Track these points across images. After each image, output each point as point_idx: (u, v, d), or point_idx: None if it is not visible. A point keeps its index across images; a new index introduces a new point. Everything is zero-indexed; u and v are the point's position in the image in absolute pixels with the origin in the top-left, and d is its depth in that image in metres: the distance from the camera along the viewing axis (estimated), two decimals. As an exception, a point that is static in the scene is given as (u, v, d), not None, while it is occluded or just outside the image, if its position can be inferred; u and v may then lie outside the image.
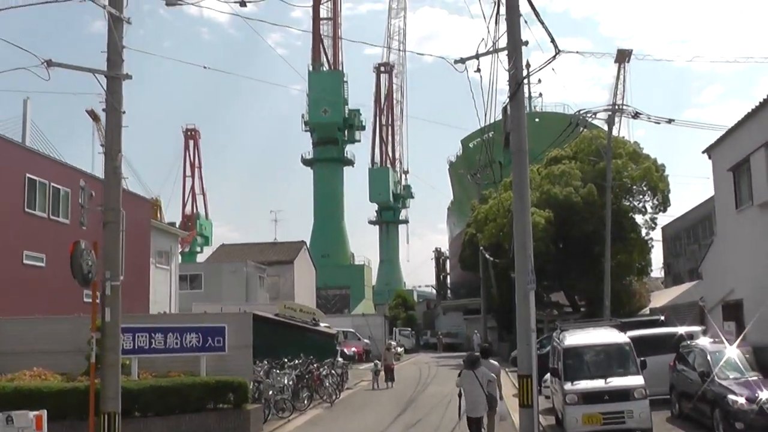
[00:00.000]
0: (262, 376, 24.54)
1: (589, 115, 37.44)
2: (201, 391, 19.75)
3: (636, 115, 34.28)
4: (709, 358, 18.53)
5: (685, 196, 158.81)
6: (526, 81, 23.79)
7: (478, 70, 19.66)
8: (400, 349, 63.03)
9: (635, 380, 17.68)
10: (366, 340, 57.72)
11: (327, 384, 28.66)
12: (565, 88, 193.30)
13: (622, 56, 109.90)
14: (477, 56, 18.73)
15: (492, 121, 21.01)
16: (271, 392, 23.57)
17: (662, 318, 29.34)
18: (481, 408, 16.14)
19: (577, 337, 19.61)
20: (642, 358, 18.39)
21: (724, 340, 20.62)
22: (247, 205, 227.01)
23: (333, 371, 31.58)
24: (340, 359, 39.49)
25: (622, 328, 20.57)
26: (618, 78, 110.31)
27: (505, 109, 19.82)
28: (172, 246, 43.57)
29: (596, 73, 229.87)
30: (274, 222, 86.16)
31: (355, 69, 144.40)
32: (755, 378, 17.57)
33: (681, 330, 24.84)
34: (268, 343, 32.10)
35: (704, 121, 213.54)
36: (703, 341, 21.25)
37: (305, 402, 26.54)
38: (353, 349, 52.53)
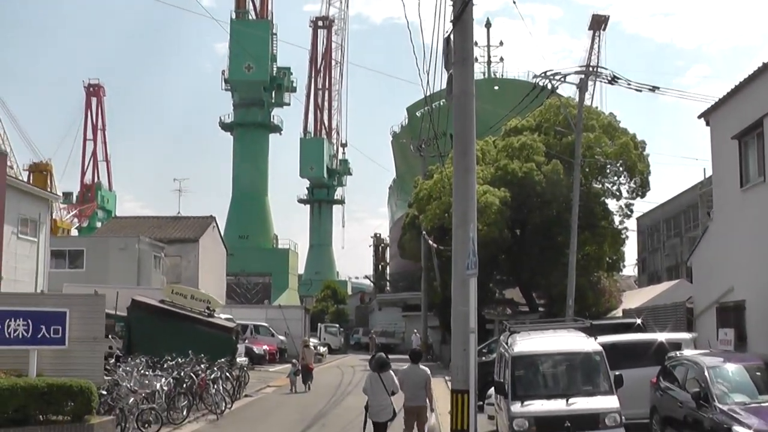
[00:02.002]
0: (122, 378, 21.50)
1: (557, 77, 35.84)
2: (25, 397, 17.09)
3: (613, 80, 32.78)
4: (706, 374, 15.91)
5: (664, 183, 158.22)
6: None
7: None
8: (323, 349, 61.02)
9: (607, 402, 15.46)
10: (281, 337, 54.99)
11: (214, 390, 25.71)
12: (544, 59, 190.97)
13: (597, 23, 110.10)
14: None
15: (440, 86, 18.94)
16: (132, 399, 20.50)
17: (639, 321, 26.99)
18: (385, 413, 16.64)
19: (531, 342, 17.08)
20: (617, 372, 16.05)
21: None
22: (160, 176, 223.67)
23: (228, 374, 29.03)
24: (242, 359, 37.03)
25: (592, 331, 17.91)
26: (591, 47, 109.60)
27: (447, 39, 17.15)
28: (42, 213, 40.14)
29: (567, 44, 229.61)
30: (178, 192, 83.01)
31: (290, 28, 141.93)
32: (768, 404, 14.99)
33: (663, 337, 22.35)
34: (149, 336, 29.69)
35: (687, 106, 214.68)
36: (695, 352, 18.81)
37: (183, 413, 23.62)
38: (264, 347, 49.82)
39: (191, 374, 25.57)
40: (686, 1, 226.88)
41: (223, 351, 30.55)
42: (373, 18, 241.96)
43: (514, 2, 23.62)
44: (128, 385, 20.77)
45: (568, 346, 17.00)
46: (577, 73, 36.68)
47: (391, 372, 16.87)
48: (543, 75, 35.45)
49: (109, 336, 34.01)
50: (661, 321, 32.05)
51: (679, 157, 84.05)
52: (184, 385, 24.42)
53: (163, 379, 23.17)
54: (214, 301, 33.31)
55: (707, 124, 27.54)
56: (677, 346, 21.09)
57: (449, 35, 17.11)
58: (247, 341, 46.32)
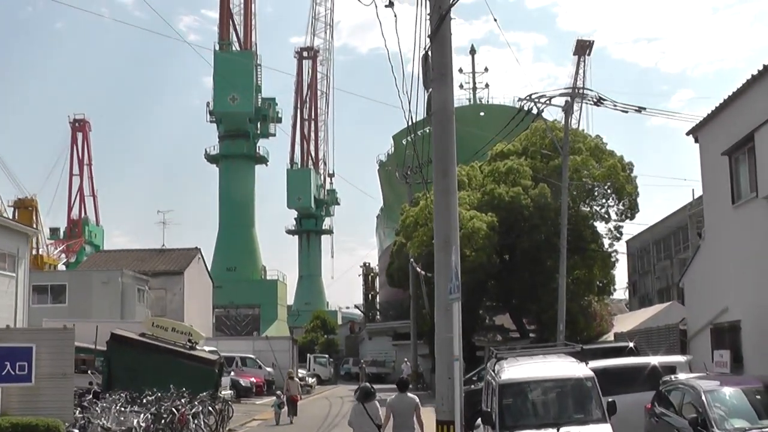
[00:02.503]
0: (98, 415, 20.60)
1: (543, 100, 35.52)
2: (-13, 438, 15.99)
3: (599, 101, 32.66)
4: (704, 399, 15.10)
5: (652, 206, 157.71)
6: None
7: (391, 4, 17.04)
8: (312, 380, 60.11)
9: (600, 430, 14.48)
10: (269, 369, 53.97)
11: (194, 426, 24.79)
12: (528, 86, 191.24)
13: (582, 48, 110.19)
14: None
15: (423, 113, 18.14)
16: (105, 437, 19.61)
17: (631, 345, 26.24)
18: None
19: (519, 369, 16.11)
20: (610, 399, 15.19)
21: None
22: (149, 211, 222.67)
23: (211, 408, 28.09)
24: (227, 392, 36.21)
25: (582, 356, 17.06)
26: (577, 72, 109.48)
27: (425, 56, 16.52)
28: (20, 247, 39.17)
29: (552, 71, 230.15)
30: (162, 224, 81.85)
31: (275, 59, 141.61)
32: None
33: (656, 360, 21.60)
34: (129, 370, 28.88)
35: (673, 127, 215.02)
36: (691, 376, 18.03)
37: (162, 451, 22.67)
38: (251, 379, 48.83)
39: (172, 409, 24.68)
40: (670, 26, 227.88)
41: (205, 384, 29.65)
42: (360, 49, 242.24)
43: (495, 20, 22.80)
44: (102, 423, 19.84)
45: (558, 372, 16.05)
46: (562, 95, 36.62)
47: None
48: (528, 98, 35.20)
49: (89, 371, 33.23)
50: (654, 344, 31.42)
51: (667, 178, 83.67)
52: (163, 421, 23.50)
53: (141, 415, 22.25)
54: (196, 333, 32.38)
55: (696, 141, 27.03)
56: (672, 369, 20.36)
57: (427, 51, 16.49)
58: (233, 374, 45.42)
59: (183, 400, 25.96)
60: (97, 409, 21.66)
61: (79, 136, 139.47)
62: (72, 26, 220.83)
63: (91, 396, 25.27)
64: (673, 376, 18.68)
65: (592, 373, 15.52)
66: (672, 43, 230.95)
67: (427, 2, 16.46)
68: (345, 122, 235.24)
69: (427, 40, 16.42)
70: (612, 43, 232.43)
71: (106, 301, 51.34)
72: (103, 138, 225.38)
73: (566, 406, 15.42)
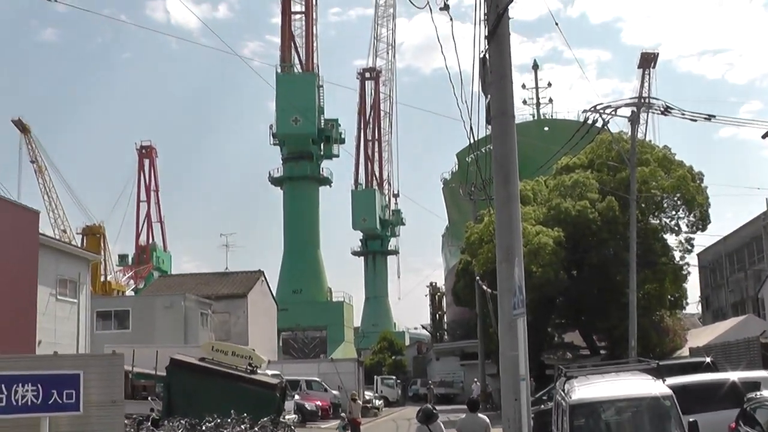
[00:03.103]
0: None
1: (608, 111, 34.94)
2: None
3: (667, 110, 31.96)
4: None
5: (724, 218, 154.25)
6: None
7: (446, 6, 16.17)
8: (379, 402, 59.24)
9: None
10: (335, 392, 53.03)
11: (253, 453, 24.04)
12: (592, 102, 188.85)
13: (647, 61, 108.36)
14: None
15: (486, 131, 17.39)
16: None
17: (709, 360, 24.97)
18: None
19: (591, 388, 14.89)
20: (692, 419, 13.90)
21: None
22: (214, 236, 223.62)
23: (272, 434, 27.16)
24: (292, 416, 35.45)
25: (659, 373, 15.89)
26: (642, 85, 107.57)
27: (483, 59, 15.61)
28: (81, 273, 39.04)
29: (618, 86, 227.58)
30: (226, 248, 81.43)
31: (340, 83, 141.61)
32: None
33: (738, 376, 20.30)
34: (189, 396, 28.27)
35: (743, 139, 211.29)
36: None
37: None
38: (317, 402, 47.95)
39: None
40: (735, 38, 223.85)
41: (266, 409, 28.78)
42: (423, 69, 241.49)
43: (557, 23, 21.82)
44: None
45: (634, 390, 14.78)
46: (628, 105, 36.05)
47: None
48: (593, 108, 34.68)
49: (149, 398, 32.67)
50: (733, 359, 30.18)
51: (740, 187, 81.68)
52: (220, 449, 22.79)
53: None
54: (257, 356, 31.56)
55: (775, 141, 25.70)
56: (755, 385, 19.00)
57: (484, 54, 15.58)
58: (298, 397, 44.67)
59: (243, 426, 25.24)
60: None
61: (146, 162, 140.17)
62: (140, 55, 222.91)
63: (149, 423, 24.64)
64: (758, 393, 17.43)
65: (670, 391, 14.31)
66: (738, 54, 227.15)
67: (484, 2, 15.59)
68: (409, 142, 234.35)
69: (485, 43, 15.53)
70: (677, 56, 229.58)
71: (169, 325, 51.11)
72: (170, 164, 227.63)
73: (643, 427, 14.22)
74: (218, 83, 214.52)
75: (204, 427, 24.20)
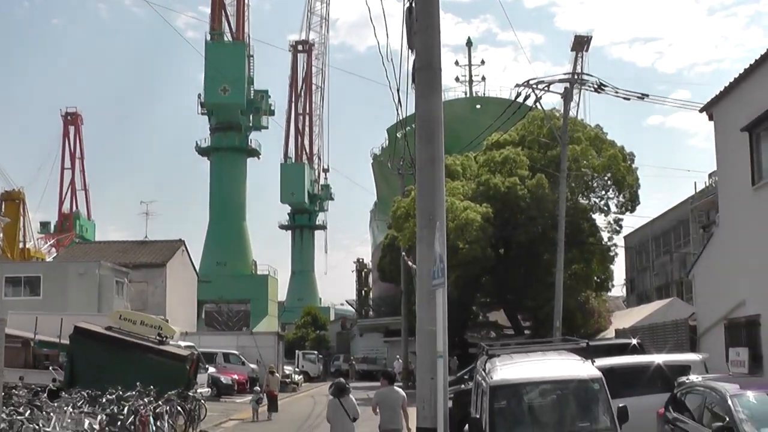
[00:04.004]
0: (43, 416, 18.29)
1: (541, 86, 34.48)
2: None
3: (600, 87, 32.32)
4: (730, 404, 12.78)
5: (650, 206, 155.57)
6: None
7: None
8: (298, 377, 58.18)
9: None
10: (253, 366, 51.61)
11: (154, 428, 22.45)
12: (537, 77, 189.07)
13: (580, 44, 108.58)
14: None
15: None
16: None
17: (635, 341, 24.13)
18: None
19: (514, 368, 13.56)
20: (621, 404, 12.80)
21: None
22: (141, 205, 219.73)
23: (180, 408, 25.85)
24: (204, 389, 34.10)
25: (588, 353, 14.73)
26: (574, 68, 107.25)
27: (410, 9, 14.35)
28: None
29: (550, 70, 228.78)
30: (146, 215, 78.97)
31: (272, 57, 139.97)
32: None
33: (666, 359, 19.36)
34: (94, 366, 26.71)
35: (670, 127, 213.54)
36: (710, 377, 15.80)
37: (117, 455, 20.32)
38: (233, 376, 46.51)
39: (132, 409, 22.36)
40: (666, 27, 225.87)
41: (175, 381, 27.23)
42: (357, 47, 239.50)
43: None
44: (35, 426, 17.44)
45: (560, 372, 13.50)
46: (561, 81, 35.97)
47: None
48: (526, 83, 34.36)
49: (51, 368, 31.08)
50: (660, 341, 29.66)
51: (669, 169, 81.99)
52: (119, 423, 21.15)
53: (89, 417, 19.85)
54: (167, 327, 29.94)
55: (710, 118, 25.21)
56: (685, 369, 18.01)
57: (411, 4, 14.26)
58: (213, 370, 43.24)
59: (148, 399, 23.70)
60: (48, 409, 19.34)
61: (72, 129, 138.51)
62: (70, 22, 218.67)
63: (45, 394, 23.00)
64: (688, 378, 16.42)
65: (599, 374, 13.05)
66: (668, 43, 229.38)
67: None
68: (342, 118, 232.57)
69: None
70: (609, 43, 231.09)
71: (82, 293, 49.39)
72: (97, 133, 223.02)
73: (569, 412, 12.97)
74: (150, 53, 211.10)
75: (105, 399, 22.62)
